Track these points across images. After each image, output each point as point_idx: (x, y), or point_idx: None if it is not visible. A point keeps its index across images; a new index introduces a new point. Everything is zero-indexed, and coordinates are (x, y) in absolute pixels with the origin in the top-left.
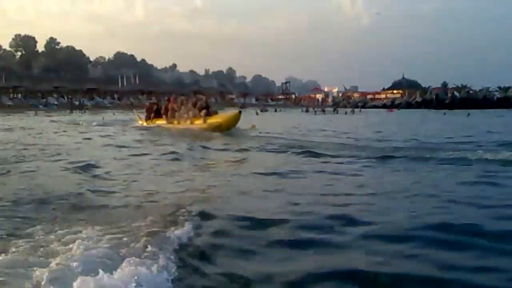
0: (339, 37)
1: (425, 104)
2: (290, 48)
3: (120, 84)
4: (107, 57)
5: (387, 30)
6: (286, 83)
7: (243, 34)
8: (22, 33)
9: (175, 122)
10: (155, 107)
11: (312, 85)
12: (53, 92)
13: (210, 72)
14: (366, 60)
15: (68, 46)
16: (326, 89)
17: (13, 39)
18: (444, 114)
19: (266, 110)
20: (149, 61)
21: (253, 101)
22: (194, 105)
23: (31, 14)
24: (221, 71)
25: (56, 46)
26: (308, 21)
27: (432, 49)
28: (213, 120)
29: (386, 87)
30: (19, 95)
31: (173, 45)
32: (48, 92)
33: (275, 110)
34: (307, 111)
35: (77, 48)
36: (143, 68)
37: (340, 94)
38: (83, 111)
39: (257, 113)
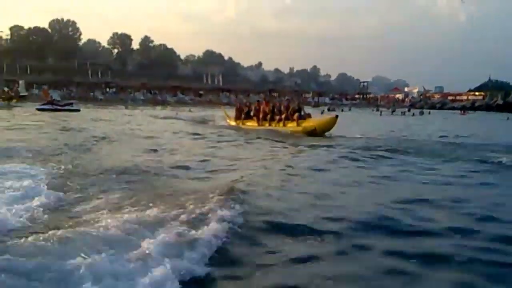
0: (432, 36)
1: (508, 107)
2: (378, 47)
3: (205, 82)
4: (196, 55)
5: (484, 28)
6: (363, 82)
7: (331, 32)
8: (119, 31)
9: (266, 124)
10: (246, 109)
11: (401, 84)
12: (141, 88)
13: (295, 71)
14: (459, 60)
15: (160, 45)
16: (406, 89)
17: (110, 37)
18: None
19: (334, 110)
20: (236, 60)
21: (327, 100)
22: (287, 108)
23: (128, 13)
24: (305, 70)
25: (150, 44)
26: (399, 19)
27: None
28: (308, 123)
29: (472, 88)
30: (111, 90)
31: (260, 43)
32: (136, 88)
33: (342, 110)
34: (377, 110)
35: (169, 46)
36: (229, 66)
37: (421, 95)
38: (165, 106)
39: (322, 112)
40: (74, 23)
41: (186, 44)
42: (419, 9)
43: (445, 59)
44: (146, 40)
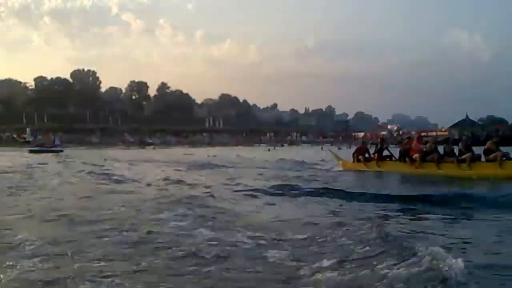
0: (453, 74)
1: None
2: (399, 84)
3: (210, 124)
4: (213, 99)
5: (505, 67)
6: (347, 121)
7: (349, 71)
8: (139, 78)
9: (417, 165)
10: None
11: (421, 121)
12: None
13: (310, 110)
14: (480, 98)
15: (176, 90)
16: (389, 127)
17: (128, 84)
18: None
19: (282, 146)
20: (252, 101)
21: (304, 138)
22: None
23: (154, 60)
24: (321, 109)
25: (167, 90)
26: (420, 57)
27: None
28: None
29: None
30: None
31: (277, 85)
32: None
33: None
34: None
35: (186, 91)
36: (244, 109)
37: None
38: (152, 147)
39: (269, 150)
40: (94, 72)
41: (205, 88)
42: (440, 46)
43: (466, 97)
44: (163, 87)
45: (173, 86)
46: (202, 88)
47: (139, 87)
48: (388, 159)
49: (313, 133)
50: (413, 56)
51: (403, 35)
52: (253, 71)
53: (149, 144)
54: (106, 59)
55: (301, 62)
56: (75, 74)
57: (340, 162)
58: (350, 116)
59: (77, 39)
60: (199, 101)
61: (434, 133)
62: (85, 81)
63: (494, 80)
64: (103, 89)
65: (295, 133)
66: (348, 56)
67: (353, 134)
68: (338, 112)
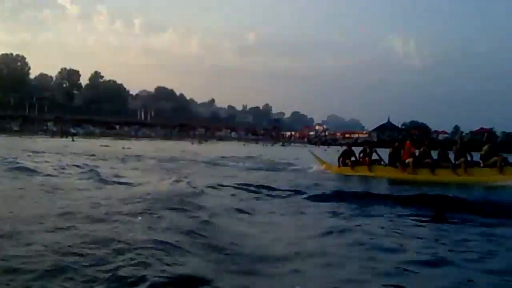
0: (386, 79)
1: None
2: (335, 87)
3: (138, 117)
4: (148, 91)
5: (440, 73)
6: (276, 120)
7: (289, 71)
8: (73, 65)
9: (410, 171)
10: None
11: (354, 124)
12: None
13: (248, 108)
14: (410, 103)
15: (110, 80)
16: (317, 127)
17: (59, 72)
18: None
19: (206, 141)
20: (189, 95)
21: (233, 134)
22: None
23: (89, 48)
24: (258, 107)
25: (100, 80)
26: (356, 61)
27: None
28: None
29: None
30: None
31: (216, 80)
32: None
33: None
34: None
35: (121, 81)
36: (180, 102)
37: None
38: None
39: (192, 143)
40: (23, 57)
41: (141, 79)
42: (377, 51)
43: (402, 101)
44: (96, 76)
45: (108, 75)
46: (138, 79)
47: (70, 75)
48: (377, 163)
49: (244, 130)
50: (350, 60)
51: (342, 39)
52: (193, 64)
53: (73, 135)
54: (39, 44)
55: (241, 58)
56: (3, 58)
57: (323, 165)
58: (287, 115)
59: (10, 22)
60: (134, 92)
61: (356, 135)
62: (12, 66)
63: (425, 87)
64: (33, 76)
65: (225, 129)
66: (288, 56)
67: (283, 133)
68: (275, 110)
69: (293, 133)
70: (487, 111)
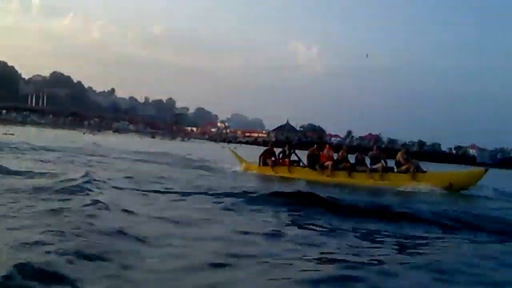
0: (291, 81)
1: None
2: (240, 85)
3: (29, 103)
4: (43, 76)
5: (339, 81)
6: (177, 115)
7: (195, 66)
8: None
9: (329, 173)
10: (283, 153)
11: (257, 123)
12: None
13: (150, 100)
14: (316, 104)
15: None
16: (219, 124)
17: None
18: None
19: (99, 131)
20: (88, 83)
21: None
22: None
23: None
24: (161, 100)
25: None
26: (266, 62)
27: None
28: (440, 176)
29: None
30: None
31: (117, 69)
32: None
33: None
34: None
35: (12, 64)
36: (77, 90)
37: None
38: None
39: (84, 133)
40: None
41: (38, 63)
42: (284, 54)
43: (303, 102)
44: None
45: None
46: (34, 63)
47: None
48: (296, 164)
49: (143, 123)
50: (259, 60)
51: (251, 38)
52: (93, 52)
53: None
54: None
55: (146, 49)
56: None
57: (243, 164)
58: (192, 111)
59: None
60: (27, 77)
61: (256, 134)
62: None
63: (324, 93)
64: None
65: (123, 121)
66: (197, 51)
67: (185, 128)
68: (179, 105)
69: (194, 128)
70: (376, 119)
